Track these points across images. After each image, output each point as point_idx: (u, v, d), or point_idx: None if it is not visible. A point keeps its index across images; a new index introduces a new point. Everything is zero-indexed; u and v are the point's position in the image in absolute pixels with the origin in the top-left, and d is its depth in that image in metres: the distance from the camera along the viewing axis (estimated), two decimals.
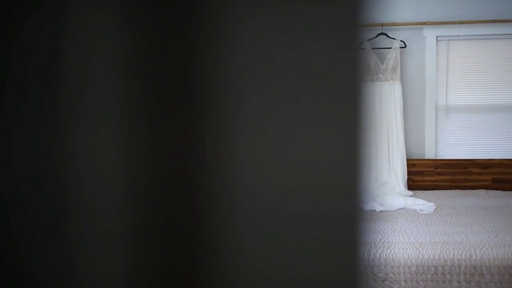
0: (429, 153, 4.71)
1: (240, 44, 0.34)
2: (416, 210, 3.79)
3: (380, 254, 2.77)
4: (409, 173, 4.60)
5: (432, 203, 3.93)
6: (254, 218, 0.36)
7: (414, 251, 2.78)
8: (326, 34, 0.34)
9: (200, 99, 0.35)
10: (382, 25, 4.62)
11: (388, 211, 3.78)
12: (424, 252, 2.77)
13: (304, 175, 0.36)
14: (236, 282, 0.36)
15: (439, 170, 4.62)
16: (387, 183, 4.49)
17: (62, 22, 0.34)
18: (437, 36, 4.64)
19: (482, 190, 4.46)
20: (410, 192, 4.41)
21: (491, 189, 4.53)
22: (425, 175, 4.64)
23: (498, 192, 4.38)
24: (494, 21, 4.54)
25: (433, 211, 3.75)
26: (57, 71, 0.35)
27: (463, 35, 4.62)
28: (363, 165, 0.35)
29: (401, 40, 4.60)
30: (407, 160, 4.60)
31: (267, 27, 0.34)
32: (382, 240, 2.97)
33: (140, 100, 0.36)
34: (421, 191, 4.53)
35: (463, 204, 3.99)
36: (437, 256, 2.74)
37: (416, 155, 4.73)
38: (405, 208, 3.88)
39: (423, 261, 2.72)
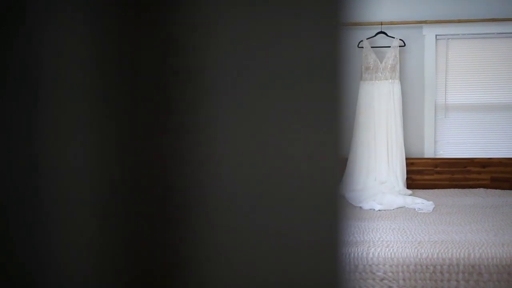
0: (428, 152, 4.71)
1: (218, 42, 0.35)
2: (415, 209, 3.80)
3: (378, 253, 2.77)
4: (408, 172, 4.60)
5: (431, 202, 3.93)
6: (232, 216, 0.36)
7: (413, 250, 2.78)
8: (309, 33, 0.34)
9: (176, 96, 0.35)
10: (381, 24, 4.62)
11: (387, 210, 3.78)
12: (423, 251, 2.78)
13: (284, 172, 0.36)
14: (213, 280, 0.36)
15: (438, 169, 4.63)
16: (386, 182, 4.49)
17: (36, 23, 0.35)
18: (436, 35, 4.64)
19: (481, 189, 4.46)
20: (409, 191, 4.41)
21: (490, 188, 4.54)
22: (424, 174, 4.64)
23: (497, 191, 4.38)
24: (493, 20, 4.54)
25: (432, 210, 3.75)
26: (31, 71, 0.35)
27: (462, 34, 4.62)
28: (345, 163, 0.35)
29: (400, 39, 4.59)
30: (406, 159, 4.61)
31: (248, 25, 0.34)
32: (381, 239, 2.97)
33: (114, 98, 0.36)
34: (420, 190, 4.53)
35: (462, 203, 4.00)
36: (435, 255, 2.74)
37: (415, 154, 4.73)
38: (404, 207, 3.88)
39: (421, 260, 2.73)
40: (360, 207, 3.89)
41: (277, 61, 0.34)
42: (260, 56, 0.34)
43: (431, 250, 2.77)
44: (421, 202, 3.95)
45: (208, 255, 0.36)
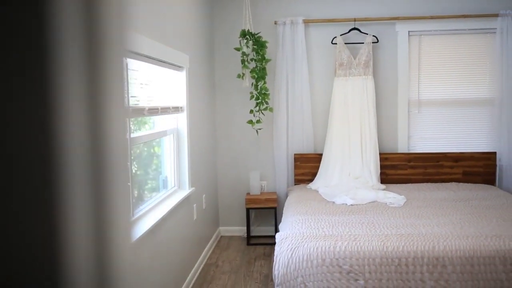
0: (402, 147, 4.76)
1: None
2: (386, 203, 3.84)
3: (345, 247, 2.79)
4: (382, 166, 4.65)
5: (402, 196, 3.98)
6: None
7: (379, 243, 2.82)
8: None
9: None
10: (355, 20, 4.66)
11: (359, 204, 3.82)
12: (389, 244, 2.81)
13: None
14: None
15: (412, 163, 4.68)
16: (360, 177, 4.53)
17: None
18: (409, 31, 4.68)
19: (453, 183, 4.53)
20: (383, 186, 4.45)
21: (462, 182, 4.61)
22: (398, 168, 4.69)
23: (469, 185, 4.45)
24: (465, 16, 4.60)
25: (403, 204, 3.80)
26: None
27: (434, 30, 4.67)
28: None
29: (373, 35, 4.63)
30: (380, 154, 4.65)
31: None
32: (349, 233, 3.01)
33: None
34: (394, 184, 4.58)
35: (434, 197, 4.05)
36: (401, 248, 2.77)
37: (389, 149, 4.78)
38: (376, 201, 3.92)
39: (387, 253, 2.76)
40: (333, 202, 3.92)
41: None
42: None
43: (397, 243, 2.81)
44: (393, 196, 3.99)
45: None
